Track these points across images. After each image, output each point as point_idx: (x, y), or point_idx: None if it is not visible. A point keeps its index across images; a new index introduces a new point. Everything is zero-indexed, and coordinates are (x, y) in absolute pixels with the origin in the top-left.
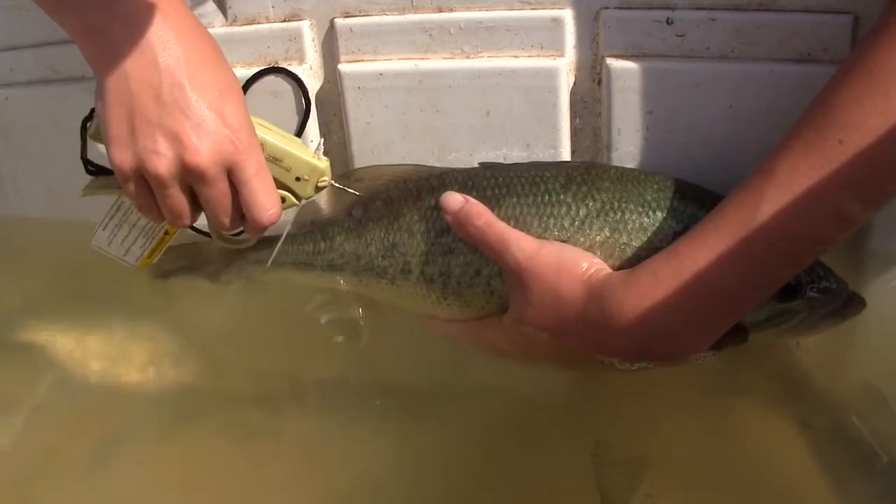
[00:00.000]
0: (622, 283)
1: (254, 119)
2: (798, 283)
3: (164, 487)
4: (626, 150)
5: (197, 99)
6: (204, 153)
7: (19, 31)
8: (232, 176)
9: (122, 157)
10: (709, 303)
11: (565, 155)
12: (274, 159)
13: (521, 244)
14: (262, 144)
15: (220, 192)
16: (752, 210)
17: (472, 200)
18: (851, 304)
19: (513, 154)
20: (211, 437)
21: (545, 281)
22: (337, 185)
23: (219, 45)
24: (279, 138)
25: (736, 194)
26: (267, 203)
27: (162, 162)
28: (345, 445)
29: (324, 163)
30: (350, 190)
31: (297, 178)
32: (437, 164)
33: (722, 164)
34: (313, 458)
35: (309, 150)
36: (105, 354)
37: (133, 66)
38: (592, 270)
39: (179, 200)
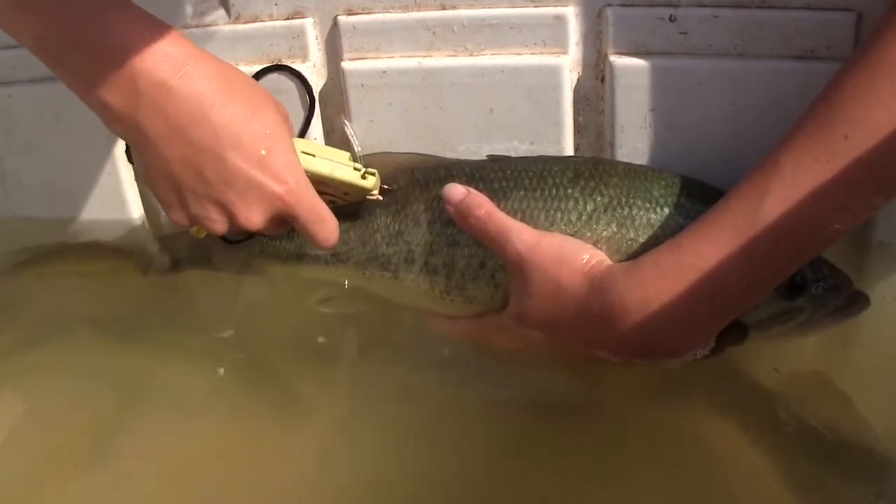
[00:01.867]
0: (624, 275)
1: (298, 144)
2: (803, 280)
3: (165, 480)
4: (629, 147)
5: (239, 167)
6: (255, 216)
7: None
8: (286, 218)
9: (178, 218)
10: (711, 296)
11: (568, 152)
12: (321, 183)
13: (523, 235)
14: (307, 174)
15: (276, 232)
16: (755, 204)
17: (474, 192)
18: (856, 302)
19: (516, 151)
20: (214, 433)
21: (546, 272)
22: (384, 195)
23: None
24: (324, 166)
25: (740, 188)
26: (321, 235)
27: (216, 226)
28: (349, 445)
29: (370, 182)
30: (388, 187)
31: (346, 193)
32: None
33: (724, 161)
34: (318, 455)
35: (355, 171)
36: (107, 348)
37: (168, 149)
38: (594, 262)
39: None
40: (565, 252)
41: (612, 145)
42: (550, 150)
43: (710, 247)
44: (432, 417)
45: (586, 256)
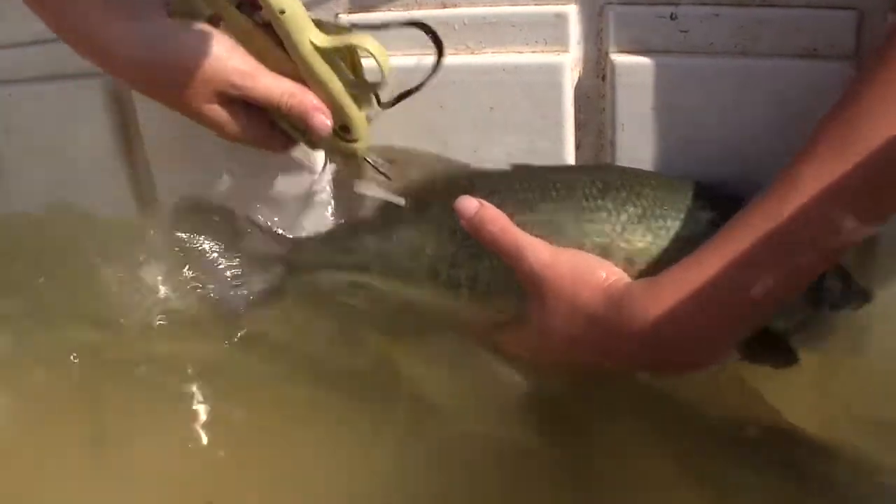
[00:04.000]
0: (642, 291)
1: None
2: (823, 289)
3: (165, 482)
4: (630, 145)
5: None
6: None
7: (23, 28)
8: None
9: None
10: (731, 311)
11: (569, 150)
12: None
13: (537, 253)
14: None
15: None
16: (774, 217)
17: (487, 205)
18: (864, 300)
19: (517, 150)
20: (220, 443)
21: (561, 290)
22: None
23: None
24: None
25: (758, 201)
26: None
27: None
28: (346, 452)
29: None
30: (381, 170)
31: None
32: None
33: (725, 159)
34: (318, 460)
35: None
36: (114, 346)
37: None
38: (612, 279)
39: None
40: (580, 269)
41: (612, 143)
42: (551, 149)
43: (729, 262)
44: (433, 426)
45: (604, 274)
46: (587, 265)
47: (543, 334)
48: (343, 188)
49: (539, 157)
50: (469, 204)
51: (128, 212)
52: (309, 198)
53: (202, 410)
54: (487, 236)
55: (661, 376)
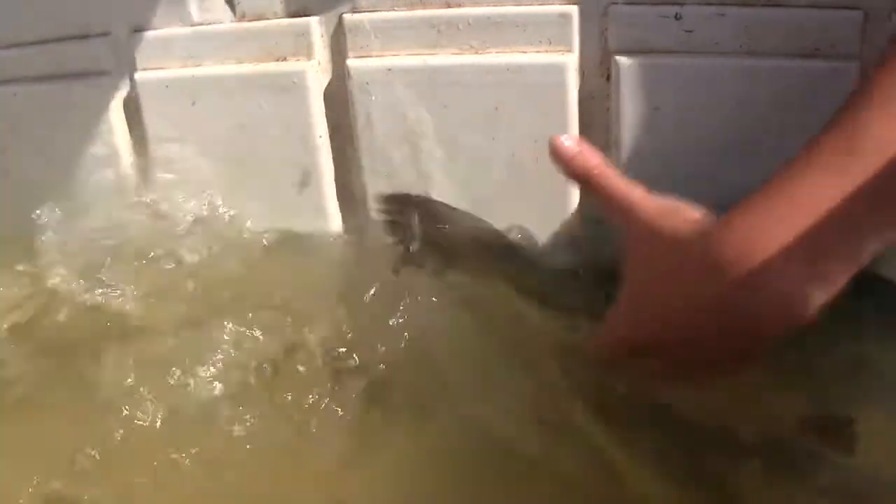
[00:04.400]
0: (719, 225)
1: None
2: None
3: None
4: (634, 145)
5: None
6: None
7: (26, 27)
8: None
9: None
10: (822, 234)
11: None
12: None
13: (633, 191)
14: None
15: None
16: (849, 139)
17: (586, 147)
18: None
19: (520, 150)
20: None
21: (650, 222)
22: None
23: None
24: None
25: (827, 129)
26: None
27: None
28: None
29: None
30: None
31: None
32: (444, 161)
33: (729, 159)
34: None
35: None
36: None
37: None
38: (698, 215)
39: None
40: (670, 205)
41: (617, 143)
42: None
43: (802, 187)
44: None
45: (695, 211)
46: (678, 203)
47: (630, 270)
48: None
49: (542, 158)
50: (569, 145)
51: (133, 210)
52: None
53: (262, 401)
54: (583, 174)
55: (736, 337)
